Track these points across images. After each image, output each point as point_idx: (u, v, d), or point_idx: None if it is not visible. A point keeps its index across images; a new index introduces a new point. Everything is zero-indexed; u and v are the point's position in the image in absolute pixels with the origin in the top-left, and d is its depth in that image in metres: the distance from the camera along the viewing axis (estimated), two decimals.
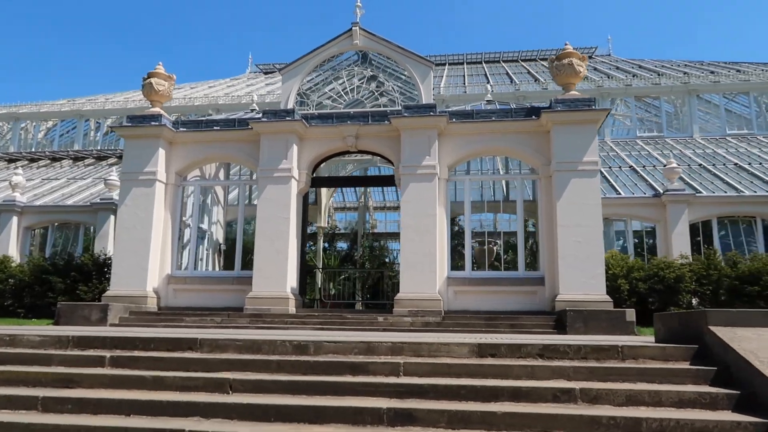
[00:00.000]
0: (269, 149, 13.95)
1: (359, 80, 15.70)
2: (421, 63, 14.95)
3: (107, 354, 5.40)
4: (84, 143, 26.85)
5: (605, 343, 5.28)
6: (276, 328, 11.55)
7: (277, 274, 13.32)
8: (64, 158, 25.22)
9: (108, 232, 17.46)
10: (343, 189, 26.63)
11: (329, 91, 15.75)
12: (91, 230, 18.57)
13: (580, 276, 12.25)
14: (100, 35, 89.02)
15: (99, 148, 26.37)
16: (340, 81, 15.75)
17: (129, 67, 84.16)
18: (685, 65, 28.53)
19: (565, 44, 14.04)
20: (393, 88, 15.52)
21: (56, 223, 19.01)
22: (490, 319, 12.01)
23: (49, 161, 25.06)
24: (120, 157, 24.52)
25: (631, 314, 10.90)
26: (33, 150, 26.85)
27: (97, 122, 27.56)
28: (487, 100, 16.31)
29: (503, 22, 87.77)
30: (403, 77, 15.51)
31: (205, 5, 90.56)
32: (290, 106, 15.09)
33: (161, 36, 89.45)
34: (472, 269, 13.82)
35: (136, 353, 5.50)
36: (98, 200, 18.14)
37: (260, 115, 14.80)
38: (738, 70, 25.45)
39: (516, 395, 4.42)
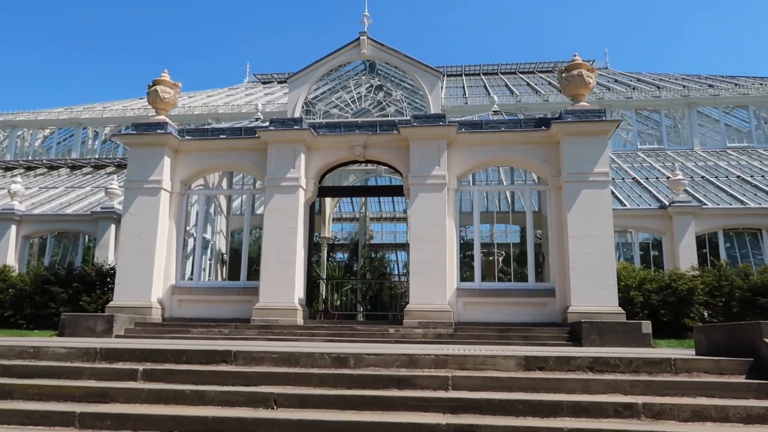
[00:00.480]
0: (277, 158, 13.81)
1: (366, 90, 15.63)
2: (429, 73, 14.91)
3: (139, 367, 5.20)
4: (81, 151, 26.55)
5: (657, 356, 5.16)
6: (286, 340, 11.34)
7: (285, 284, 13.13)
8: (62, 167, 24.91)
9: (109, 242, 17.20)
10: (341, 199, 26.47)
11: (336, 100, 15.66)
12: (87, 239, 18.31)
13: (592, 287, 12.17)
14: (97, 45, 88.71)
15: (97, 156, 26.08)
16: (348, 90, 15.68)
17: (126, 77, 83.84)
18: (683, 78, 28.76)
19: (574, 55, 14.05)
20: (400, 97, 15.47)
21: (55, 233, 18.70)
22: (502, 331, 11.88)
23: (46, 169, 24.74)
24: (119, 166, 24.31)
25: (647, 326, 10.82)
26: (30, 158, 26.51)
27: (95, 131, 27.29)
28: (493, 111, 16.28)
29: (497, 36, 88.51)
30: (411, 87, 15.46)
31: (203, 15, 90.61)
32: (297, 114, 14.97)
33: (158, 45, 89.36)
34: (481, 280, 13.69)
35: (168, 366, 5.29)
36: (99, 209, 17.87)
37: (267, 123, 14.68)
38: (736, 84, 25.70)
39: (576, 410, 4.28)
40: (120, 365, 5.36)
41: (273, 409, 4.51)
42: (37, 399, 4.74)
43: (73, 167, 24.80)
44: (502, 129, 13.72)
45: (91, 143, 27.04)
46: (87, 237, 18.22)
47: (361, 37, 15.08)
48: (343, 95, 15.69)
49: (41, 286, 14.23)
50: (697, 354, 5.85)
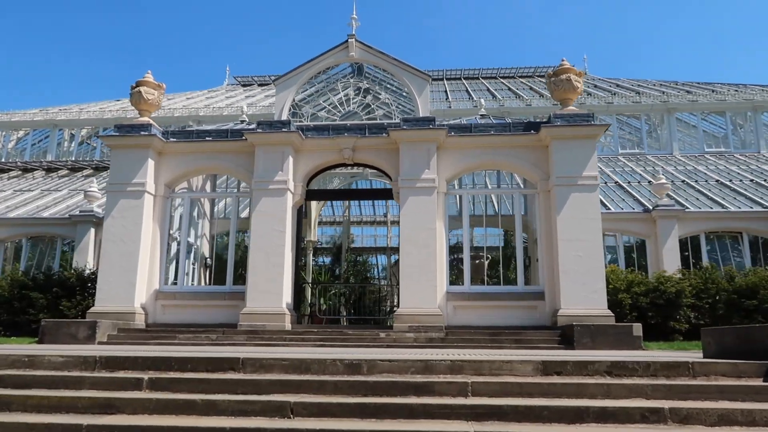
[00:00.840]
0: (264, 161, 13.61)
1: (354, 92, 15.52)
2: (417, 76, 14.86)
3: (143, 376, 4.96)
4: (57, 153, 25.89)
5: (674, 360, 5.13)
6: (276, 345, 11.17)
7: (273, 289, 12.93)
8: (37, 169, 24.25)
9: (88, 246, 16.78)
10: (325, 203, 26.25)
11: (323, 102, 15.53)
12: (63, 243, 17.85)
13: (582, 290, 12.21)
14: (71, 47, 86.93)
15: (73, 158, 25.44)
16: (336, 93, 15.57)
17: (101, 80, 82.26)
18: (661, 84, 29.26)
19: (562, 60, 14.14)
20: (388, 100, 15.39)
21: (30, 237, 18.18)
22: (493, 334, 11.84)
23: (20, 172, 24.05)
24: (96, 168, 23.80)
25: (638, 329, 10.87)
26: (3, 160, 25.74)
27: (71, 132, 26.65)
28: (480, 115, 16.33)
29: (476, 41, 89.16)
30: (399, 90, 15.41)
31: (179, 17, 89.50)
32: (284, 117, 14.81)
33: (134, 48, 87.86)
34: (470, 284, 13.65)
35: (173, 374, 5.07)
36: (78, 212, 17.43)
37: (253, 126, 14.47)
38: (713, 90, 26.22)
39: (602, 416, 4.20)
40: (122, 374, 5.12)
41: (290, 418, 4.33)
42: (38, 411, 4.46)
43: (49, 169, 24.17)
44: (492, 132, 13.73)
45: (67, 145, 26.40)
46: (67, 241, 17.75)
47: (349, 40, 14.98)
48: (331, 98, 15.56)
49: (19, 292, 13.77)
50: (705, 357, 5.86)
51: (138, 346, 10.37)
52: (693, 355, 6.56)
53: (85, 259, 16.33)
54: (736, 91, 25.50)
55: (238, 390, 4.73)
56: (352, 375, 5.05)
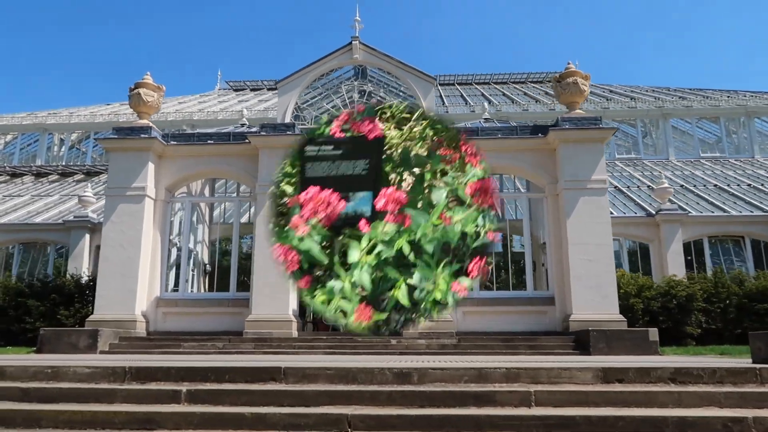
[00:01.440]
0: (269, 164, 13.28)
1: (358, 95, 15.33)
2: (423, 78, 14.69)
3: (180, 388, 4.63)
4: (47, 158, 25.30)
5: (740, 366, 4.96)
6: (286, 353, 10.87)
7: (280, 295, 12.61)
8: (26, 174, 23.66)
9: (83, 252, 16.32)
10: None
11: (327, 105, 15.32)
12: (55, 250, 17.38)
13: (593, 295, 12.08)
14: (61, 52, 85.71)
15: (63, 163, 24.88)
16: (339, 95, 15.35)
17: (91, 84, 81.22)
18: (653, 90, 29.46)
19: (568, 63, 14.09)
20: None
21: (21, 243, 17.68)
22: (506, 340, 11.67)
23: (8, 177, 23.44)
24: (88, 173, 23.32)
25: (654, 334, 10.75)
26: None
27: (61, 137, 26.07)
28: (485, 119, 16.26)
29: (465, 47, 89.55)
30: (403, 93, 15.23)
31: (170, 23, 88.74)
32: (288, 119, 14.55)
33: (122, 52, 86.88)
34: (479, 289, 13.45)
35: (210, 386, 4.74)
36: (72, 218, 16.97)
37: (256, 129, 14.21)
38: (706, 96, 26.44)
39: (682, 426, 3.96)
40: (155, 386, 4.79)
41: None
42: (71, 427, 4.10)
43: (39, 174, 23.61)
44: (499, 136, 13.61)
45: (57, 150, 25.83)
46: (60, 247, 17.27)
47: (353, 42, 14.78)
48: (334, 100, 15.35)
49: (15, 300, 13.28)
50: (754, 362, 5.71)
51: (144, 356, 10.01)
52: (744, 360, 6.39)
53: (80, 265, 15.86)
54: (729, 96, 25.74)
55: (285, 402, 4.42)
56: (402, 384, 4.78)
